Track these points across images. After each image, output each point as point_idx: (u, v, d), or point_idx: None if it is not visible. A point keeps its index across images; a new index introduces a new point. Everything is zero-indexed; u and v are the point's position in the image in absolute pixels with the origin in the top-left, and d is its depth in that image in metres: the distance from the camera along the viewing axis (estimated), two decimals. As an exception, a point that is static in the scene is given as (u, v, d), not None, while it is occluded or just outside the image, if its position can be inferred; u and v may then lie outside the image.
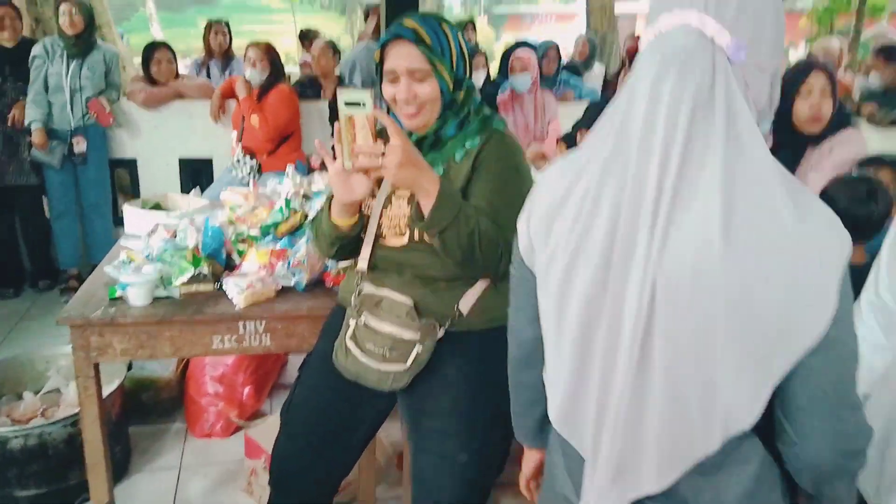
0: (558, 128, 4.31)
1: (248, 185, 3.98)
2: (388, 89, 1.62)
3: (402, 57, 1.58)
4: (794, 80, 2.61)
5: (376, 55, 1.64)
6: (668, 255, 0.84)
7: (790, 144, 2.56)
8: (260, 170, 4.10)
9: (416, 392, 1.65)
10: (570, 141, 3.48)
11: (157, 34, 16.10)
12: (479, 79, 4.26)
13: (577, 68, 6.03)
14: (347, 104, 1.39)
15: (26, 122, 4.02)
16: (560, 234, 0.95)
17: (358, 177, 1.51)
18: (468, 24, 5.34)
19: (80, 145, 4.14)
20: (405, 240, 1.65)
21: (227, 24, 5.26)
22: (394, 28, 1.60)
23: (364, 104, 1.38)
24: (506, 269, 1.62)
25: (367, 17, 6.13)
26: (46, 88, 4.06)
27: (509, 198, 1.58)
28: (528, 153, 4.15)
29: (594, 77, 6.30)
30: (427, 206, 1.48)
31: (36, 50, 4.07)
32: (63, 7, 4.09)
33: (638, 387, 0.89)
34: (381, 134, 1.45)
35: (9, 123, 4.05)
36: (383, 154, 1.41)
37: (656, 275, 0.85)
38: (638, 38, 6.45)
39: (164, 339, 1.98)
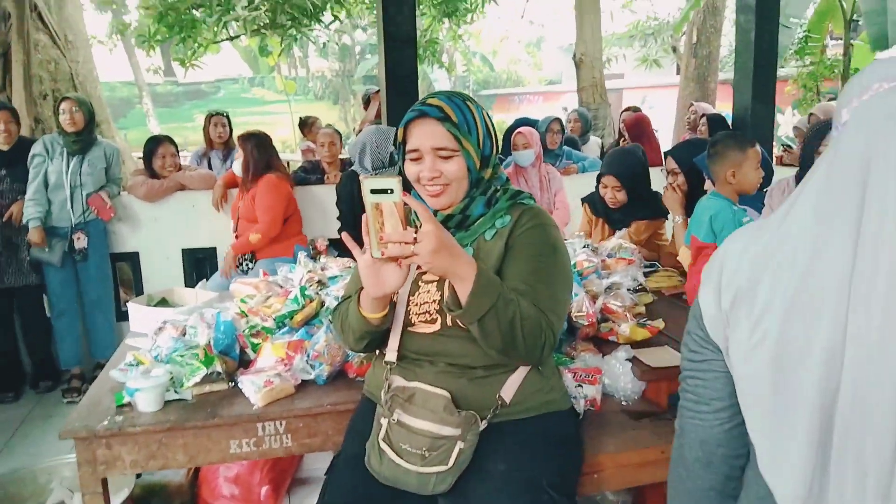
0: (565, 199, 4.29)
1: (245, 273, 3.91)
2: (411, 168, 1.56)
3: (427, 135, 1.52)
4: (812, 142, 2.57)
5: (400, 133, 1.57)
6: None
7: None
8: (253, 258, 4.01)
9: (461, 493, 1.49)
10: (591, 200, 3.43)
11: (155, 129, 16.36)
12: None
13: (574, 142, 6.07)
14: (374, 192, 1.30)
15: (24, 220, 3.94)
16: (769, 297, 0.91)
17: (390, 268, 1.40)
18: None
19: (80, 242, 4.06)
20: (437, 326, 1.55)
21: (227, 116, 5.29)
22: (418, 106, 1.55)
23: (392, 191, 1.30)
24: (549, 353, 1.51)
25: (366, 103, 6.19)
26: (46, 186, 4.00)
27: (549, 277, 1.52)
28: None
29: (590, 149, 6.36)
30: (464, 293, 1.38)
31: (36, 148, 4.04)
32: (64, 105, 4.08)
33: None
34: (409, 221, 1.37)
35: (5, 219, 3.97)
36: (415, 241, 1.31)
37: None
38: (630, 109, 6.53)
39: (176, 446, 1.83)
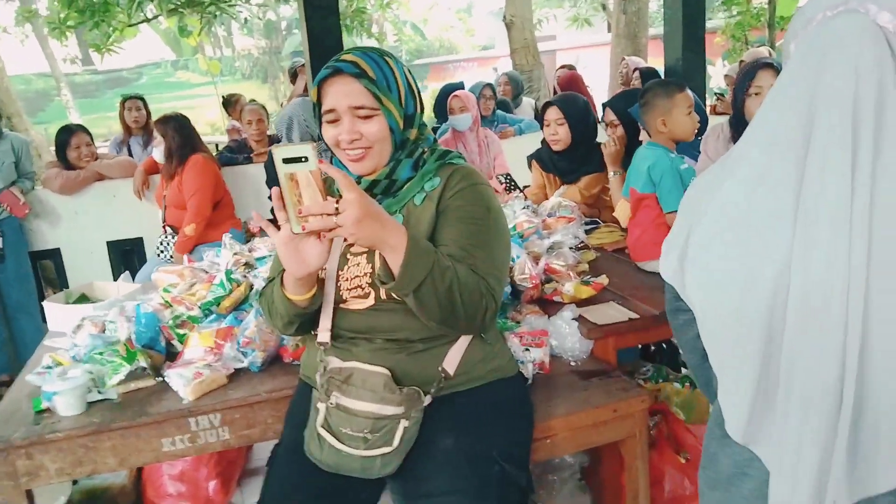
0: (504, 163, 4.22)
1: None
2: (329, 131, 1.44)
3: (343, 93, 1.40)
4: (742, 83, 2.55)
5: (313, 94, 1.45)
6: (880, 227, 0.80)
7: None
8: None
9: (410, 473, 1.42)
10: (537, 157, 3.35)
11: (76, 121, 15.67)
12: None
13: (507, 105, 6.00)
14: (286, 161, 1.18)
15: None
16: (716, 227, 0.93)
17: (310, 243, 1.28)
18: None
19: (-6, 242, 3.81)
20: (370, 301, 1.45)
21: (143, 99, 5.03)
22: (332, 62, 1.41)
23: (306, 158, 1.17)
24: (492, 320, 1.43)
25: (293, 77, 5.98)
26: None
27: (485, 239, 1.42)
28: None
29: (524, 111, 6.30)
30: (396, 264, 1.27)
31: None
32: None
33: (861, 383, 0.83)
34: (330, 191, 1.25)
35: None
36: (337, 211, 1.19)
37: (871, 248, 0.80)
38: (565, 67, 6.49)
39: (105, 450, 1.70)
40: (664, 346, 2.93)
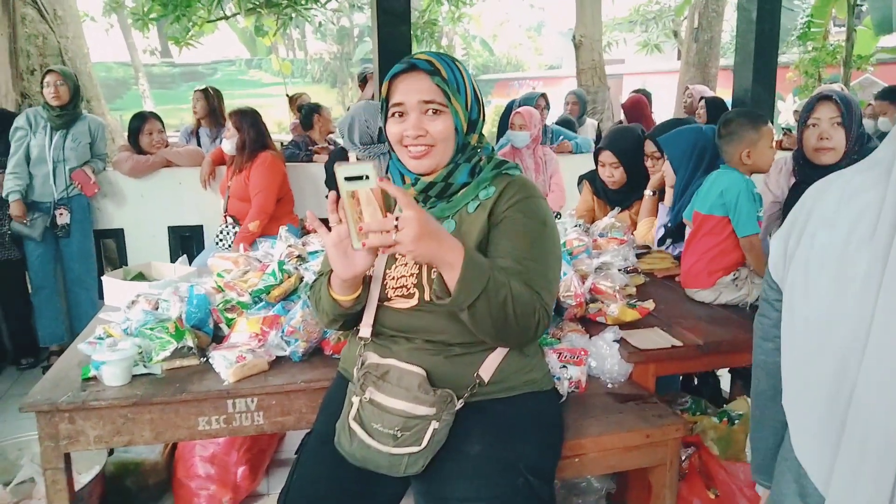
0: (561, 181, 4.22)
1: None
2: (393, 127, 1.46)
3: (414, 89, 1.43)
4: (802, 115, 2.50)
5: (383, 89, 1.47)
6: None
7: (812, 179, 2.42)
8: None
9: (434, 475, 1.42)
10: (591, 178, 3.32)
11: (150, 110, 16.25)
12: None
13: (571, 123, 5.99)
14: (348, 179, 1.19)
15: (4, 194, 3.87)
16: (828, 245, 0.96)
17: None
18: None
19: (62, 217, 3.98)
20: (414, 301, 1.47)
21: (217, 91, 5.18)
22: (406, 59, 1.45)
23: (367, 176, 1.19)
24: (542, 334, 1.43)
25: (362, 84, 6.08)
26: (28, 160, 3.92)
27: (540, 253, 1.43)
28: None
29: (586, 131, 6.28)
30: (452, 280, 1.28)
31: (18, 121, 3.95)
32: (48, 78, 3.98)
33: None
34: (388, 206, 1.26)
35: None
36: (396, 228, 1.20)
37: None
38: (637, 92, 6.44)
39: (143, 422, 1.75)
40: (708, 379, 2.87)
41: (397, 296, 1.48)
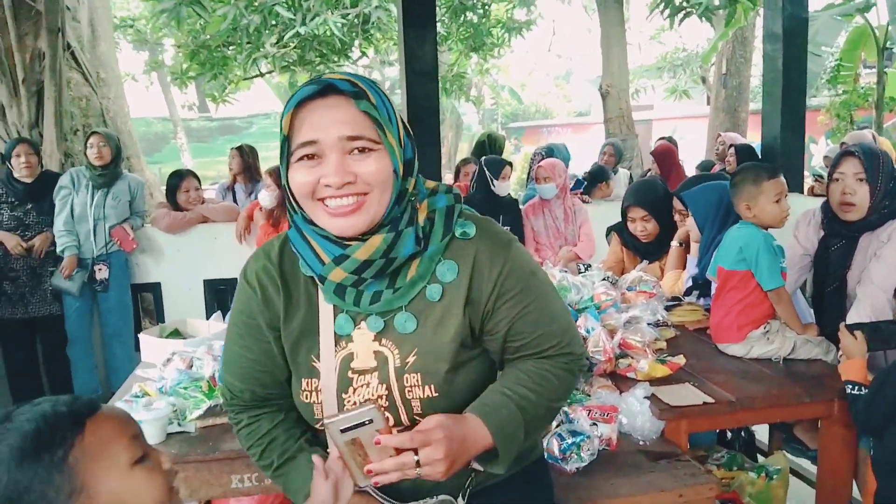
0: (590, 231, 4.24)
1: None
2: (302, 175, 1.07)
3: (333, 120, 1.04)
4: (830, 169, 2.49)
5: (284, 123, 1.07)
6: None
7: (840, 233, 2.42)
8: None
9: None
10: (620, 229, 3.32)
11: (188, 163, 16.70)
12: (505, 189, 4.24)
13: (606, 173, 6.02)
14: (345, 431, 1.01)
15: (58, 250, 4.02)
16: None
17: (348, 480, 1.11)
18: (507, 166, 4.90)
19: (101, 273, 4.10)
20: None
21: (252, 148, 5.34)
22: (317, 79, 1.06)
23: (370, 421, 1.01)
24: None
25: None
26: (71, 217, 4.06)
27: (549, 310, 1.21)
28: (562, 257, 4.05)
29: (619, 181, 6.29)
30: (485, 460, 1.14)
31: (63, 181, 4.11)
32: (92, 140, 4.16)
33: None
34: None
35: (26, 248, 4.01)
36: (417, 464, 1.02)
37: None
38: (664, 139, 6.47)
39: (178, 480, 1.77)
40: (742, 433, 2.81)
41: None
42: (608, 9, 9.33)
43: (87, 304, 4.12)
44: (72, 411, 0.94)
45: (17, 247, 3.99)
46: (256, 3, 8.07)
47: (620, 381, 2.09)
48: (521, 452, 1.16)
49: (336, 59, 9.32)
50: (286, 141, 1.08)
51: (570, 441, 1.72)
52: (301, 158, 1.07)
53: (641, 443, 1.87)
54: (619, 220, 3.32)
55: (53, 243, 4.06)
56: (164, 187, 4.72)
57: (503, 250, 1.17)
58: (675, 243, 3.01)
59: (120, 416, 1.00)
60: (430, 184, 1.22)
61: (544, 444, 1.71)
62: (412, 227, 1.12)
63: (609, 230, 3.44)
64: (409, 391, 1.13)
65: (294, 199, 1.10)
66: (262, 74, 10.08)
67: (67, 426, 0.92)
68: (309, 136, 1.04)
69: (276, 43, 8.46)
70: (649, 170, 6.27)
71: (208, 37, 8.78)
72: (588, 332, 2.12)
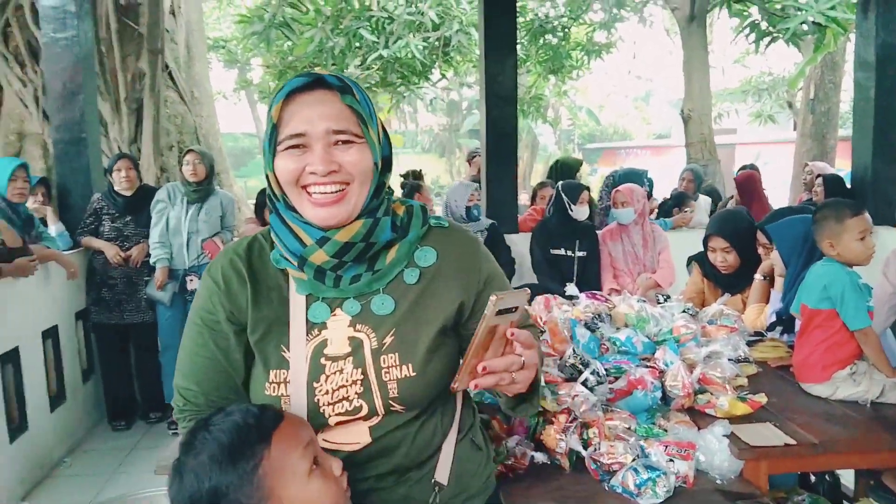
0: (670, 258, 4.19)
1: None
2: (288, 162, 1.11)
3: (321, 114, 1.09)
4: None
5: (273, 113, 1.12)
6: None
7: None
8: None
9: None
10: (700, 260, 3.29)
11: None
12: (583, 214, 4.23)
13: (685, 198, 5.94)
14: (500, 313, 0.99)
15: (152, 261, 4.27)
16: None
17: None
18: (585, 190, 4.93)
19: (192, 283, 4.31)
20: (366, 418, 1.17)
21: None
22: (306, 73, 1.12)
23: (516, 308, 1.00)
24: None
25: (469, 161, 6.31)
26: (166, 230, 4.30)
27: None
28: (641, 284, 4.01)
29: (700, 208, 6.18)
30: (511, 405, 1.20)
31: (160, 195, 4.35)
32: (188, 157, 4.39)
33: None
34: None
35: (124, 258, 4.28)
36: (523, 366, 1.03)
37: None
38: (746, 168, 6.33)
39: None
40: (826, 476, 2.72)
41: (337, 413, 1.15)
42: (691, 32, 9.21)
43: (178, 313, 4.34)
44: (260, 425, 1.01)
45: (115, 256, 4.25)
46: (342, 27, 8.35)
47: (698, 418, 2.07)
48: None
49: (416, 80, 9.52)
50: (274, 129, 1.12)
51: (645, 476, 1.72)
52: (288, 148, 1.11)
53: (719, 482, 1.85)
54: (700, 249, 3.28)
55: (149, 254, 4.30)
56: (251, 201, 4.93)
57: (476, 242, 1.27)
58: (758, 276, 2.96)
59: (298, 424, 1.06)
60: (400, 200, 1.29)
61: (619, 478, 1.72)
62: (389, 217, 1.18)
63: (690, 260, 3.40)
64: (385, 372, 1.13)
65: (278, 186, 1.14)
66: (344, 94, 10.37)
67: (256, 440, 1.00)
68: (298, 128, 1.09)
69: (360, 65, 8.71)
70: (731, 197, 6.13)
71: (295, 58, 9.12)
72: (667, 365, 2.11)
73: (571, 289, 2.43)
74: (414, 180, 5.90)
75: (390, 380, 1.14)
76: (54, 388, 3.99)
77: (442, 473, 1.22)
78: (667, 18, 16.08)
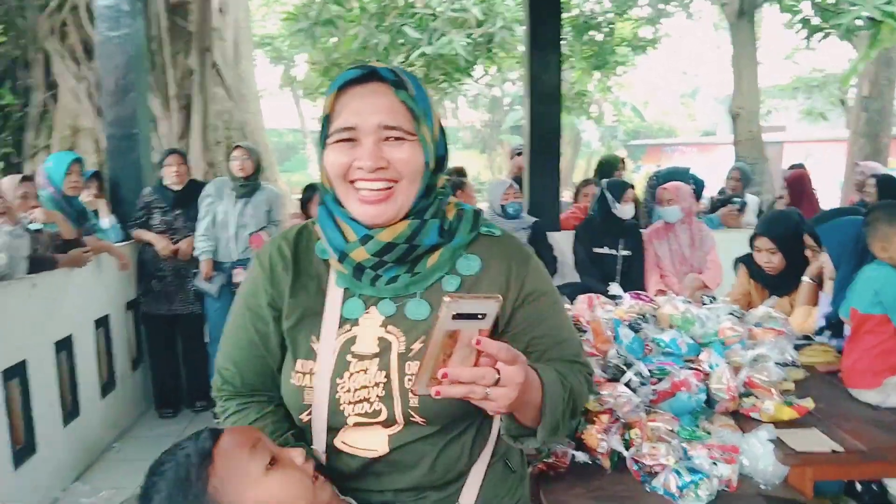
0: (717, 259, 4.11)
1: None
2: (337, 155, 1.09)
3: (374, 108, 1.06)
4: None
5: (326, 104, 1.10)
6: None
7: None
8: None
9: None
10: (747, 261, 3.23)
11: (315, 173, 17.49)
12: (627, 212, 4.18)
13: (731, 200, 5.84)
14: (458, 318, 0.88)
15: (195, 254, 4.37)
16: None
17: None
18: (620, 162, 5.12)
19: (238, 276, 4.39)
20: (386, 424, 1.12)
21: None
22: (361, 65, 1.10)
23: (483, 316, 0.89)
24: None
25: (512, 157, 6.30)
26: (213, 224, 4.39)
27: (565, 318, 1.22)
28: (688, 285, 3.95)
29: (749, 208, 6.06)
30: (527, 417, 1.03)
31: (208, 189, 4.45)
32: (235, 153, 4.48)
33: None
34: None
35: (171, 251, 4.39)
36: (497, 382, 0.91)
37: None
38: (794, 167, 6.19)
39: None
40: (873, 485, 2.66)
41: (357, 414, 1.11)
42: (740, 27, 9.02)
43: (225, 304, 4.42)
44: (198, 448, 1.03)
45: (165, 249, 4.37)
46: (386, 24, 8.40)
47: (743, 421, 2.05)
48: (558, 430, 1.06)
49: (459, 77, 9.53)
50: (326, 120, 1.10)
51: (688, 479, 1.71)
52: (338, 141, 1.08)
53: (763, 486, 1.83)
54: (747, 250, 3.23)
55: (195, 246, 4.41)
56: (295, 196, 5.00)
57: (527, 255, 1.20)
58: (807, 279, 2.90)
59: (239, 432, 1.06)
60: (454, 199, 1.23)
61: (661, 480, 1.72)
62: (437, 219, 1.13)
63: (737, 261, 3.35)
64: (409, 380, 1.09)
65: (327, 179, 1.13)
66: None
67: (199, 463, 1.01)
68: (349, 121, 1.06)
69: (403, 62, 8.75)
70: (780, 196, 6.00)
71: (339, 55, 9.20)
72: (712, 367, 2.09)
73: (615, 288, 2.42)
74: (457, 177, 5.91)
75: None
76: (105, 375, 4.12)
77: (467, 498, 1.17)
78: (715, 13, 15.79)
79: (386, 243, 1.08)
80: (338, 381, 1.10)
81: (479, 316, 0.88)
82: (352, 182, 1.08)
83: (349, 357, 1.11)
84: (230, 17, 7.55)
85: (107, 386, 4.13)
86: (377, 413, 1.09)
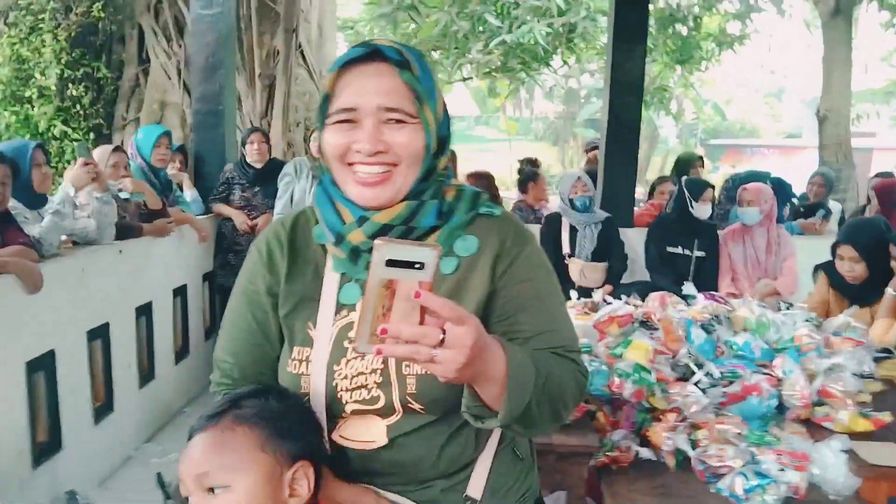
0: (794, 266, 3.97)
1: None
2: (336, 136, 1.06)
3: (375, 88, 1.04)
4: None
5: (327, 83, 1.08)
6: None
7: None
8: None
9: None
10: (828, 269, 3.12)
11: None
12: (705, 212, 4.08)
13: (815, 207, 5.63)
14: (391, 264, 0.84)
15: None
16: None
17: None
18: (698, 160, 4.99)
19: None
20: (384, 412, 1.09)
21: (453, 152, 5.56)
22: (365, 43, 1.07)
23: (421, 265, 0.84)
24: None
25: (587, 151, 6.23)
26: (291, 203, 4.51)
27: (560, 310, 1.16)
28: (759, 290, 3.83)
29: (831, 215, 5.83)
30: (491, 395, 0.97)
31: (287, 168, 4.57)
32: (315, 135, 4.57)
33: None
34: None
35: (250, 227, 4.53)
36: (441, 342, 0.85)
37: None
38: (879, 176, 5.91)
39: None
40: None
41: (355, 401, 1.09)
42: (834, 26, 8.65)
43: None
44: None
45: (243, 224, 4.52)
46: (467, 10, 8.41)
47: (814, 430, 2.00)
48: (516, 417, 0.98)
49: (537, 66, 9.47)
50: (326, 100, 1.08)
51: (754, 482, 1.68)
52: (338, 122, 1.06)
53: (832, 497, 1.78)
54: (828, 258, 3.13)
55: (273, 224, 4.54)
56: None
57: (525, 237, 1.15)
58: (890, 290, 2.79)
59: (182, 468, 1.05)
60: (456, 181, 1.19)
61: (727, 482, 1.69)
62: (436, 201, 1.10)
63: (816, 268, 3.24)
64: (406, 366, 1.05)
65: (325, 159, 1.11)
66: (465, 79, 10.44)
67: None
68: (349, 102, 1.04)
69: (482, 49, 8.75)
70: (866, 205, 5.75)
71: (419, 41, 9.27)
72: (785, 374, 2.04)
73: (689, 288, 2.39)
74: (531, 167, 5.88)
75: (409, 374, 1.06)
76: (180, 342, 4.29)
77: (475, 487, 1.14)
78: (807, 11, 15.15)
79: (383, 225, 1.06)
80: (335, 367, 1.08)
81: (417, 265, 0.83)
82: (350, 164, 1.07)
83: (346, 343, 1.08)
84: (316, 0, 7.69)
85: (181, 353, 4.29)
86: (375, 400, 1.07)
